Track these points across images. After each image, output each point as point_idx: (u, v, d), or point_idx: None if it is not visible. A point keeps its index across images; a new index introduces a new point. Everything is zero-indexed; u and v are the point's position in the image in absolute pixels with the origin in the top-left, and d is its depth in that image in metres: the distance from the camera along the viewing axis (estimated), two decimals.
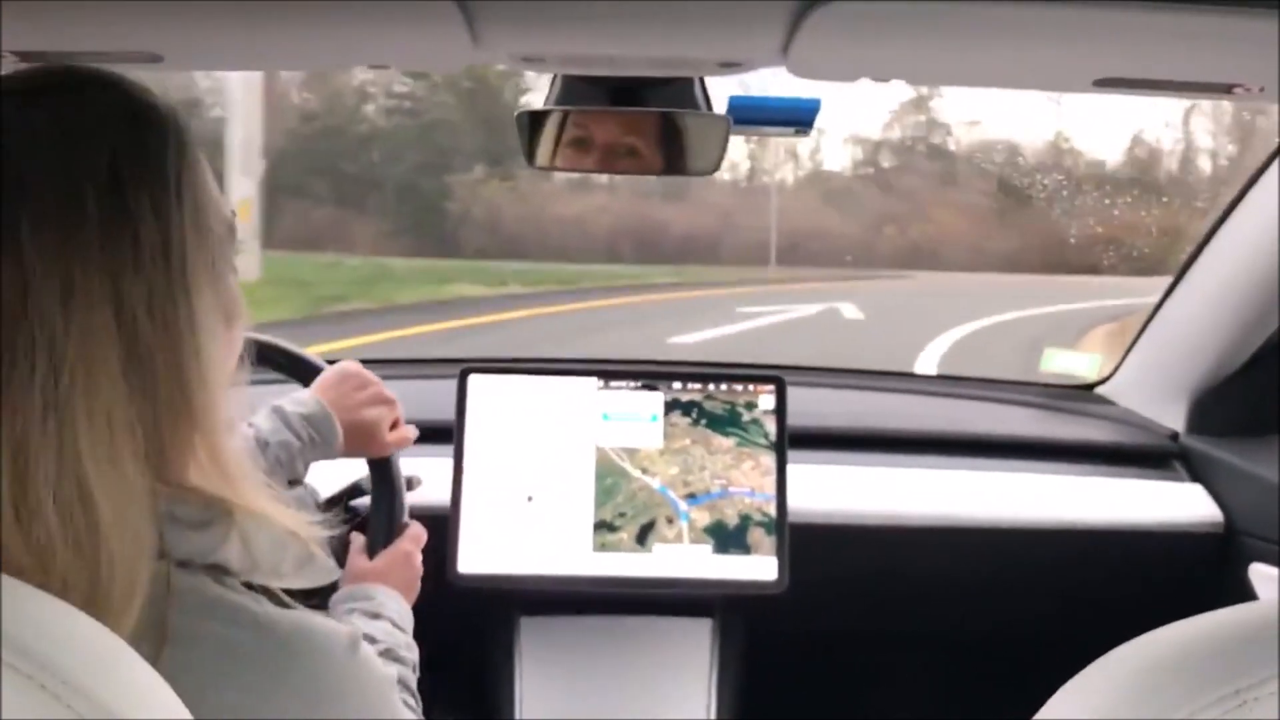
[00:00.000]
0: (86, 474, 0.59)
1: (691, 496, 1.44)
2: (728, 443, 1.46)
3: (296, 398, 1.23)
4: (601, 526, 1.43)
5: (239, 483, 0.68)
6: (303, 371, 1.32)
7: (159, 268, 0.63)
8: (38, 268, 0.59)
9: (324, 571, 0.75)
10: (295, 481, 1.17)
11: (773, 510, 1.44)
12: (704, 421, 1.47)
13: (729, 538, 1.43)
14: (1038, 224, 10.76)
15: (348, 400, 1.25)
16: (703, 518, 1.43)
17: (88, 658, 0.51)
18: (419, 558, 1.22)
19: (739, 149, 13.56)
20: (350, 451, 1.25)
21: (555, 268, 12.88)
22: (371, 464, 1.30)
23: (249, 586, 0.68)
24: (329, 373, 1.28)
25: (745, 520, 1.44)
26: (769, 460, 1.46)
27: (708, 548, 1.42)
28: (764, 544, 1.43)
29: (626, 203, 14.01)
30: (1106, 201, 7.26)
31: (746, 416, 1.47)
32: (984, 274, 13.12)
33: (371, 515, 1.27)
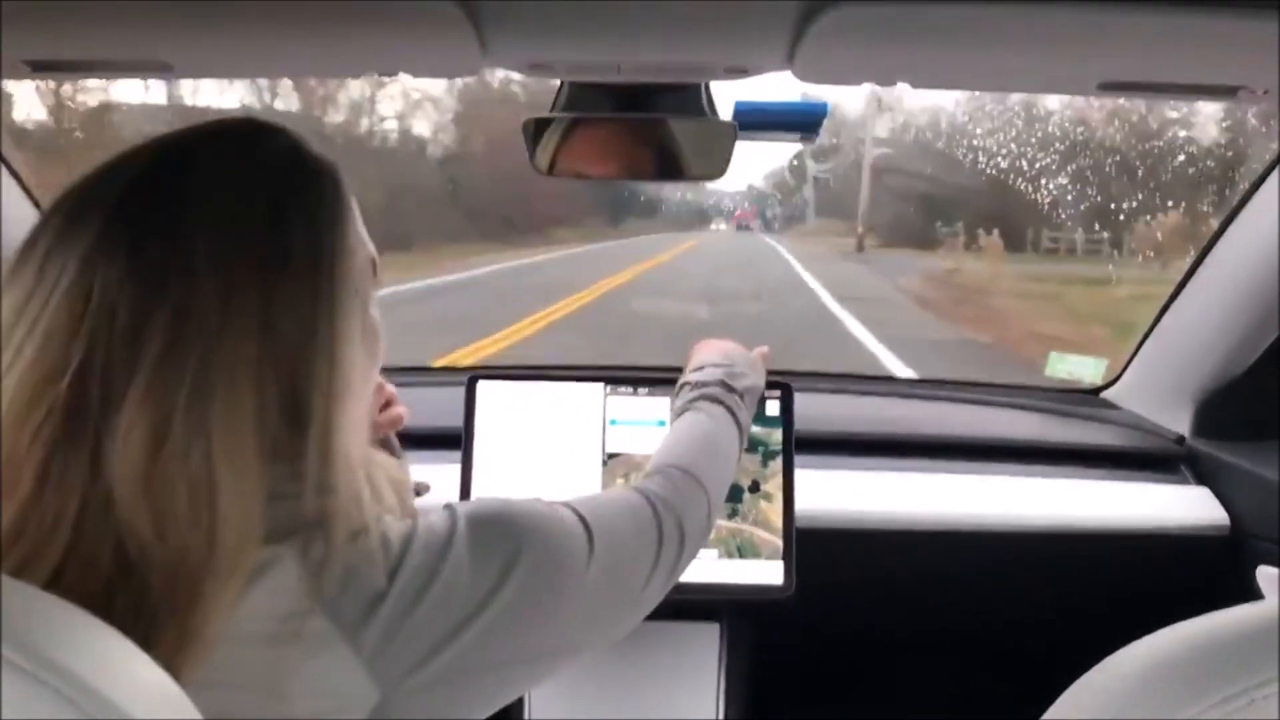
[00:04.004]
0: (214, 452, 0.65)
1: None
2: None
3: None
4: None
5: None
6: None
7: (307, 282, 0.71)
8: (205, 270, 0.68)
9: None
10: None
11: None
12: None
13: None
14: None
15: None
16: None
17: (97, 659, 0.51)
18: None
19: None
20: None
21: None
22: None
23: None
24: None
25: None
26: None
27: (715, 552, 1.42)
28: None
29: None
30: None
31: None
32: None
33: None
